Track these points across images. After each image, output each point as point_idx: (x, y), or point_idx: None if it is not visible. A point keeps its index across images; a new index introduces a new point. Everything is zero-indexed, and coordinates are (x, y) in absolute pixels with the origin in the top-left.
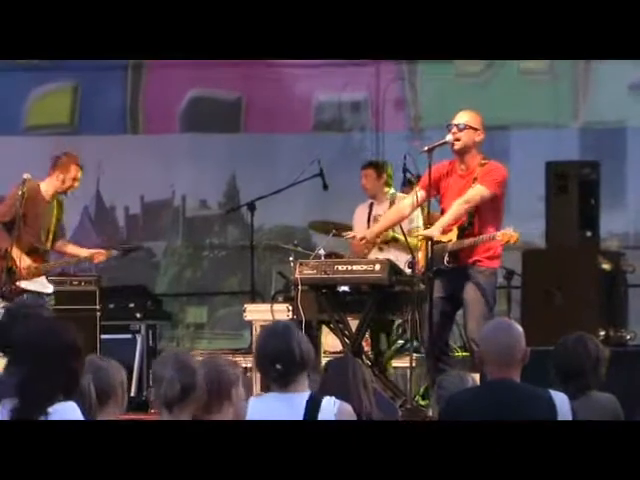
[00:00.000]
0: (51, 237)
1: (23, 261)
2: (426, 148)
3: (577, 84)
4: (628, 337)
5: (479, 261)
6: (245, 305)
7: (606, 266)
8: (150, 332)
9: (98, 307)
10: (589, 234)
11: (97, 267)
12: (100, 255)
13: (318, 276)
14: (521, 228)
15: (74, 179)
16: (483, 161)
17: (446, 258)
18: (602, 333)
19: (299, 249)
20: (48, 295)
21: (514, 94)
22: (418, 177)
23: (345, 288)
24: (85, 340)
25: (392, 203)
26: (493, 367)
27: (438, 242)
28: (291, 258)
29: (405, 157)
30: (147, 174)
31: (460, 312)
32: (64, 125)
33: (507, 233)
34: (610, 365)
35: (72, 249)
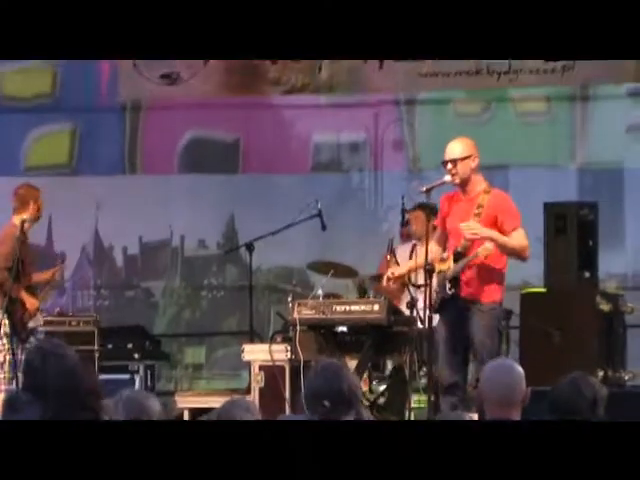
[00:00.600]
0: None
1: (29, 302)
2: (424, 188)
3: (575, 125)
4: (627, 378)
5: (480, 296)
6: (243, 345)
7: (604, 307)
8: (148, 372)
9: (96, 347)
10: (587, 275)
11: (95, 307)
12: (58, 271)
13: (316, 316)
14: (519, 268)
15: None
16: (488, 188)
17: (447, 286)
18: (600, 374)
19: (298, 289)
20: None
21: (512, 135)
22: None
23: (343, 328)
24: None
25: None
26: (493, 407)
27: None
28: (289, 298)
29: (403, 198)
30: (145, 214)
31: None
32: (63, 166)
33: (486, 248)
34: (608, 406)
35: (37, 277)
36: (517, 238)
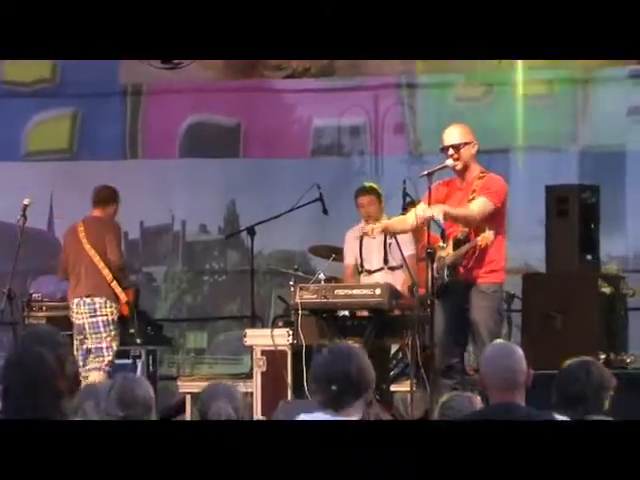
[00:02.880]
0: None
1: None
2: (425, 172)
3: (576, 108)
4: (628, 360)
5: (480, 278)
6: (245, 330)
7: (606, 289)
8: (150, 357)
9: None
10: (589, 257)
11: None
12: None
13: (318, 300)
14: (521, 251)
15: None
16: (482, 174)
17: (446, 272)
18: (602, 356)
19: (299, 273)
20: None
21: (513, 118)
22: (418, 201)
23: (345, 312)
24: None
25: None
26: (495, 390)
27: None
28: (291, 282)
29: (404, 182)
30: (146, 199)
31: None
32: (64, 151)
33: (485, 236)
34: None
35: None
36: (472, 205)
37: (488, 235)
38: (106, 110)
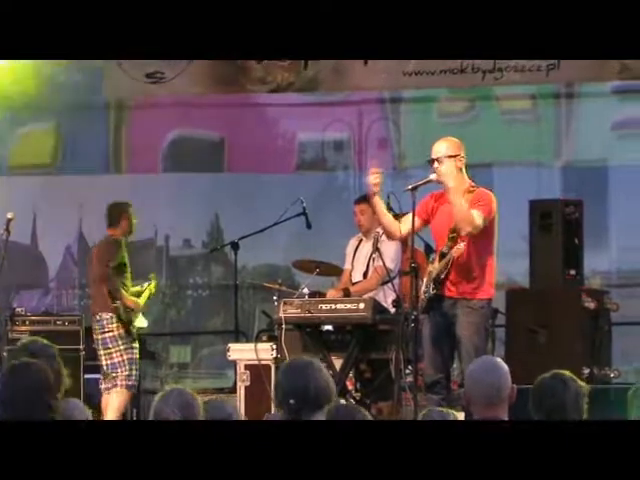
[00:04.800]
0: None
1: (133, 302)
2: (410, 187)
3: (560, 123)
4: (612, 375)
5: (469, 294)
6: (229, 344)
7: (590, 305)
8: None
9: (82, 347)
10: (573, 272)
11: (80, 306)
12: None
13: (302, 315)
14: (504, 266)
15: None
16: (472, 187)
17: (431, 285)
18: (586, 371)
19: (283, 288)
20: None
21: (496, 133)
22: (402, 214)
23: (329, 327)
24: (70, 379)
25: (376, 241)
26: (479, 406)
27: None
28: (275, 297)
29: (388, 196)
30: None
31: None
32: (46, 165)
33: (458, 248)
34: (594, 403)
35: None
36: (472, 213)
37: (459, 247)
38: (89, 124)
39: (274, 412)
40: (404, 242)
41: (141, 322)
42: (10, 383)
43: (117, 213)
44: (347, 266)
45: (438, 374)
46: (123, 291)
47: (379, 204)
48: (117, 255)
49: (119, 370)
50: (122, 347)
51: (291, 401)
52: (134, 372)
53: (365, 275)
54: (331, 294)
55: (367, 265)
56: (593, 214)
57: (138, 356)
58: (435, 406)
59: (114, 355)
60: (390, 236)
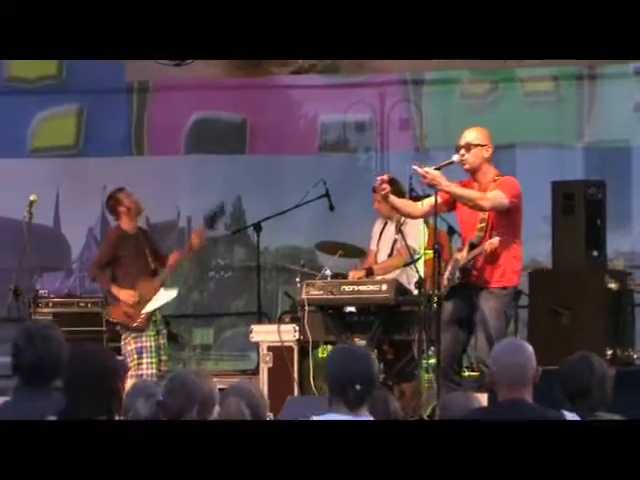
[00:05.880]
0: (152, 259)
1: (123, 294)
2: (432, 168)
3: (582, 104)
4: (635, 356)
5: (489, 282)
6: (252, 326)
7: (613, 286)
8: None
9: (104, 329)
10: (596, 254)
11: (103, 289)
12: (195, 239)
13: (324, 297)
14: (527, 248)
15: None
16: (497, 177)
17: (457, 274)
18: (609, 352)
19: (305, 270)
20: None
21: (519, 115)
22: (425, 196)
23: (352, 309)
24: None
25: (398, 224)
26: (504, 388)
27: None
28: (298, 279)
29: (411, 177)
30: (152, 196)
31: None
32: (69, 147)
33: (491, 242)
34: (617, 385)
35: (170, 260)
36: (485, 193)
37: (494, 241)
38: (112, 107)
39: (297, 394)
40: (426, 217)
41: (152, 305)
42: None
43: (110, 205)
44: (372, 247)
45: (450, 359)
46: (112, 283)
47: (394, 201)
48: (109, 245)
49: (128, 360)
50: (131, 336)
51: (357, 387)
52: (145, 361)
53: (389, 257)
54: (353, 275)
55: (392, 247)
56: (616, 195)
57: (152, 344)
58: (450, 390)
59: (123, 344)
60: (410, 216)
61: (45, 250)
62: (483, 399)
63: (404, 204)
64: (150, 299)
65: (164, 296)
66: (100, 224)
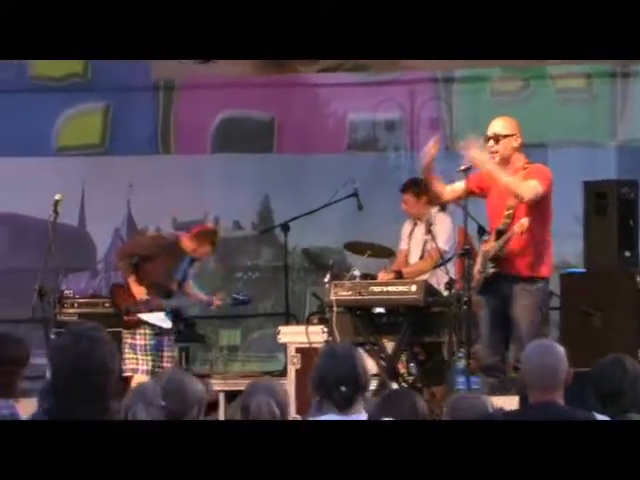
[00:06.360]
0: (175, 286)
1: (135, 288)
2: (462, 167)
3: (615, 102)
4: None
5: (521, 271)
6: (279, 327)
7: None
8: (183, 354)
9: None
10: (628, 254)
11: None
12: (217, 302)
13: (353, 297)
14: (558, 248)
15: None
16: (526, 165)
17: (489, 265)
18: None
19: (334, 270)
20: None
21: (551, 113)
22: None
23: (380, 309)
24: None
25: (429, 224)
26: (535, 389)
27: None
28: (326, 279)
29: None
30: (179, 195)
31: None
32: (95, 146)
33: (521, 224)
34: None
35: (193, 292)
36: (524, 183)
37: (523, 222)
38: (138, 105)
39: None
40: (455, 201)
41: (147, 317)
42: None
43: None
44: (403, 247)
45: (494, 357)
46: (133, 274)
47: (430, 175)
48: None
49: (126, 353)
50: (129, 332)
51: (342, 388)
52: (140, 357)
53: (422, 257)
54: (382, 276)
55: (422, 249)
56: None
57: (147, 342)
58: (489, 389)
59: (123, 339)
60: (439, 197)
61: (70, 250)
62: (498, 402)
63: (436, 182)
64: (151, 311)
65: (161, 320)
66: (126, 224)
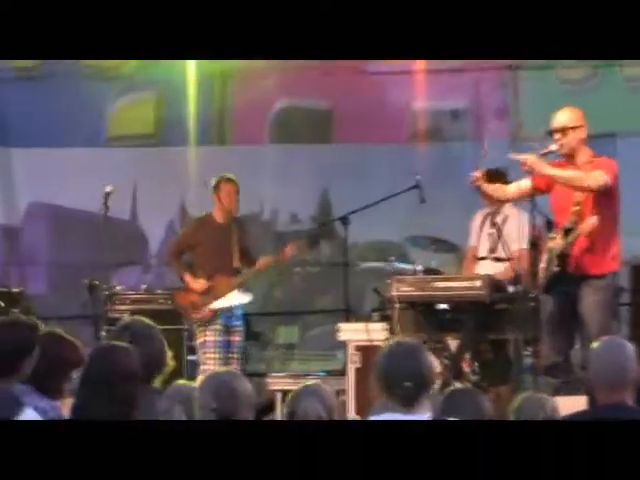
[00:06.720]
0: (237, 256)
1: (193, 283)
2: (543, 152)
3: None
4: None
5: (593, 267)
6: (339, 324)
7: None
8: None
9: (185, 327)
10: None
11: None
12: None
13: (415, 293)
14: (628, 242)
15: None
16: (592, 158)
17: (555, 262)
18: None
19: (396, 265)
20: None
21: (620, 101)
22: None
23: (444, 306)
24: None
25: (494, 216)
26: (603, 390)
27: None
28: (387, 274)
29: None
30: None
31: None
32: (148, 136)
33: (588, 224)
34: None
35: (261, 264)
36: (589, 174)
37: (592, 221)
38: (192, 94)
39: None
40: (519, 200)
41: (221, 303)
42: (92, 365)
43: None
44: (473, 243)
45: (558, 356)
46: (187, 271)
47: (485, 189)
48: (187, 230)
49: (199, 354)
50: (199, 329)
51: (407, 384)
52: (207, 356)
53: (492, 251)
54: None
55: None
56: None
57: (217, 339)
58: (552, 390)
59: (196, 339)
60: (501, 201)
61: (122, 244)
62: (560, 403)
63: (494, 189)
64: (222, 296)
65: (236, 298)
66: (180, 217)
